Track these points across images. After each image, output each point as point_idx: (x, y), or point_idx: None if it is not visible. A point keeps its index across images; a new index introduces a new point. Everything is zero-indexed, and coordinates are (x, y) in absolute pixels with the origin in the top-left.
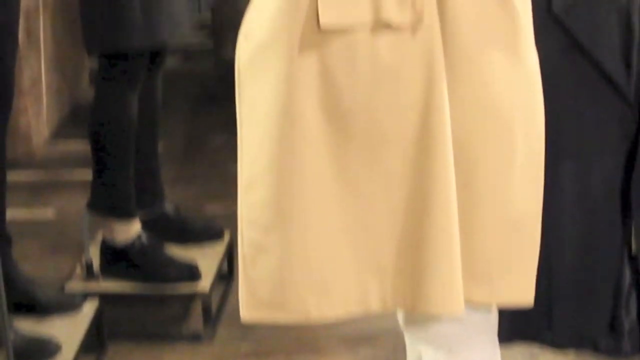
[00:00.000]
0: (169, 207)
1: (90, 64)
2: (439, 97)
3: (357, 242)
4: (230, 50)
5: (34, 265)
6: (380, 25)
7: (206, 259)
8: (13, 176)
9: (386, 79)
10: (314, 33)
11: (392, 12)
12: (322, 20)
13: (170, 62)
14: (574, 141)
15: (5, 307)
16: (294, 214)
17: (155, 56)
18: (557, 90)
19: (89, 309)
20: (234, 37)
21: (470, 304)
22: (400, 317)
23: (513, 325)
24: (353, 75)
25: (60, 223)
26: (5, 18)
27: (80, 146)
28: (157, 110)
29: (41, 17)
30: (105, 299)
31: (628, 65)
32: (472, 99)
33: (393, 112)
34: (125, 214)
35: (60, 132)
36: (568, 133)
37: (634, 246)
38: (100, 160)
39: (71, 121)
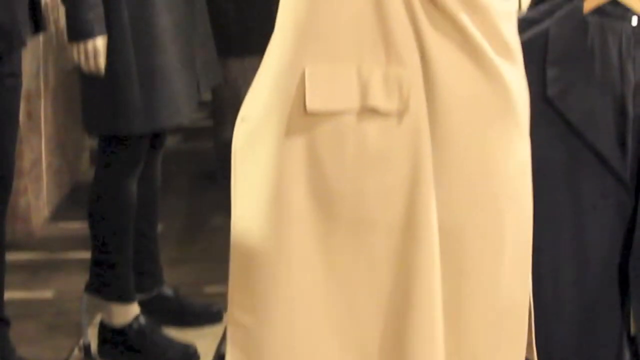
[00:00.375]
0: (167, 289)
1: (90, 143)
2: (425, 184)
3: (342, 328)
4: (230, 130)
5: (31, 346)
6: (367, 110)
7: (205, 341)
8: (12, 256)
9: (373, 163)
10: (302, 116)
11: (379, 99)
12: (309, 104)
13: (170, 141)
14: (572, 223)
15: None
16: (280, 298)
17: (156, 138)
18: (554, 174)
19: None
20: (233, 117)
21: None
22: None
23: None
24: (340, 159)
25: (58, 303)
26: (6, 101)
27: (80, 227)
28: (156, 192)
29: (42, 99)
30: None
31: (623, 149)
32: (463, 187)
33: (379, 197)
34: (123, 298)
35: (60, 212)
36: (566, 215)
37: (632, 327)
38: (100, 243)
39: (71, 201)
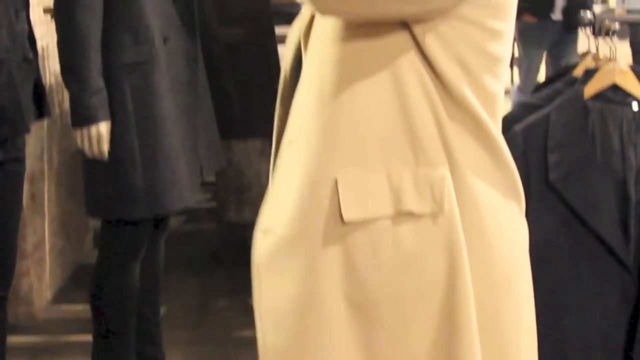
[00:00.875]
0: None
1: (94, 224)
2: (463, 282)
3: None
4: (233, 211)
5: None
6: (402, 214)
7: None
8: (14, 339)
9: (409, 266)
10: (337, 226)
11: (413, 203)
12: (345, 215)
13: (173, 222)
14: (576, 308)
15: None
16: None
17: (159, 221)
18: (557, 259)
19: None
20: (237, 199)
21: None
22: None
23: None
24: (376, 265)
25: None
26: (10, 186)
27: (83, 309)
28: (159, 276)
29: (46, 181)
30: None
31: (626, 234)
32: (486, 272)
33: (417, 297)
34: None
35: (63, 294)
36: (569, 300)
37: None
38: (101, 327)
39: (74, 283)
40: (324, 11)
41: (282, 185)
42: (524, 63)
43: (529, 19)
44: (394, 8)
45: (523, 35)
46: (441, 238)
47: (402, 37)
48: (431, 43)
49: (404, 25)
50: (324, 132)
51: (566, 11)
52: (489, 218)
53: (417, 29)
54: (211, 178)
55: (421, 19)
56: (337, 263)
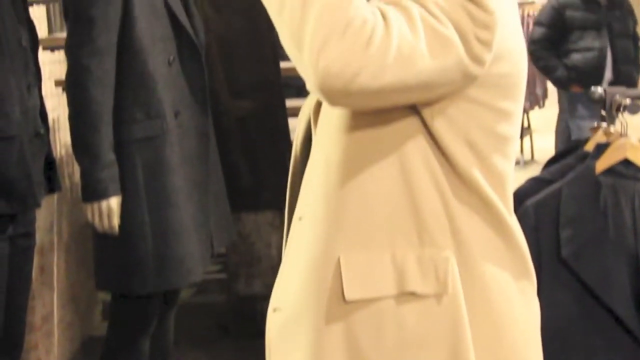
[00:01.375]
0: None
1: (103, 296)
2: None
3: None
4: (244, 284)
5: None
6: (405, 294)
7: None
8: None
9: (413, 346)
10: (339, 305)
11: (416, 284)
12: (348, 294)
13: (183, 294)
14: None
15: None
16: None
17: (168, 295)
18: (570, 334)
19: None
20: (247, 271)
21: None
22: None
23: None
24: (379, 344)
25: None
26: (20, 261)
27: None
28: (168, 351)
29: (55, 253)
30: None
31: (639, 308)
32: (497, 356)
33: None
34: None
35: None
36: None
37: None
38: None
39: (82, 356)
40: (334, 104)
41: (291, 263)
42: (573, 133)
43: (576, 90)
44: (401, 98)
45: (572, 105)
46: (445, 318)
47: (410, 121)
48: (440, 126)
49: (413, 108)
50: (329, 214)
51: (613, 85)
52: (499, 299)
53: (426, 112)
54: (221, 250)
55: (429, 103)
56: (340, 342)
